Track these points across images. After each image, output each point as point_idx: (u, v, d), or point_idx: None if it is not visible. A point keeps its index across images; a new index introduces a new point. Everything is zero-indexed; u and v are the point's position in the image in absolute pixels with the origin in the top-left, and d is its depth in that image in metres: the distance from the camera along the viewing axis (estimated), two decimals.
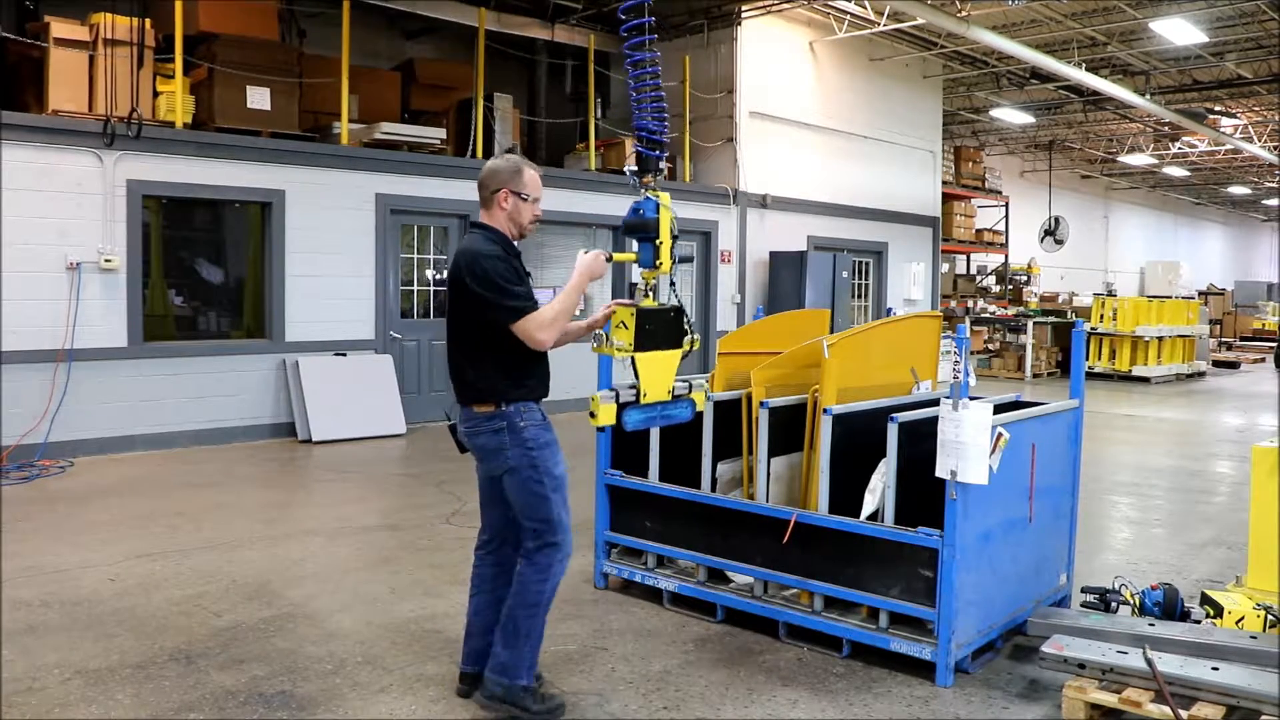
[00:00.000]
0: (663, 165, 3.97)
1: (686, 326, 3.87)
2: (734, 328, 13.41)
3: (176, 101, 9.28)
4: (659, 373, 3.79)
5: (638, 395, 3.75)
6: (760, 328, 5.60)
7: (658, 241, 3.80)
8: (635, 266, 3.87)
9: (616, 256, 3.86)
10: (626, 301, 3.78)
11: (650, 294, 3.85)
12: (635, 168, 3.90)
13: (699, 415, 4.74)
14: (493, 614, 3.76)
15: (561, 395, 11.70)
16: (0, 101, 8.85)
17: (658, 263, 3.82)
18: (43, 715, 3.67)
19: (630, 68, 3.86)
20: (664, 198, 3.82)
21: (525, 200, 3.67)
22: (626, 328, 3.71)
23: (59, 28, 8.85)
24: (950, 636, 3.96)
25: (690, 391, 3.92)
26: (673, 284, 3.96)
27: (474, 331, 3.57)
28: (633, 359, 3.73)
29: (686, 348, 3.87)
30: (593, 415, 3.67)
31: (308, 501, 7.62)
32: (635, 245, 3.86)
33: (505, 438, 3.58)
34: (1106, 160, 28.49)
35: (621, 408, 3.70)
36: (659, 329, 3.76)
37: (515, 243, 3.70)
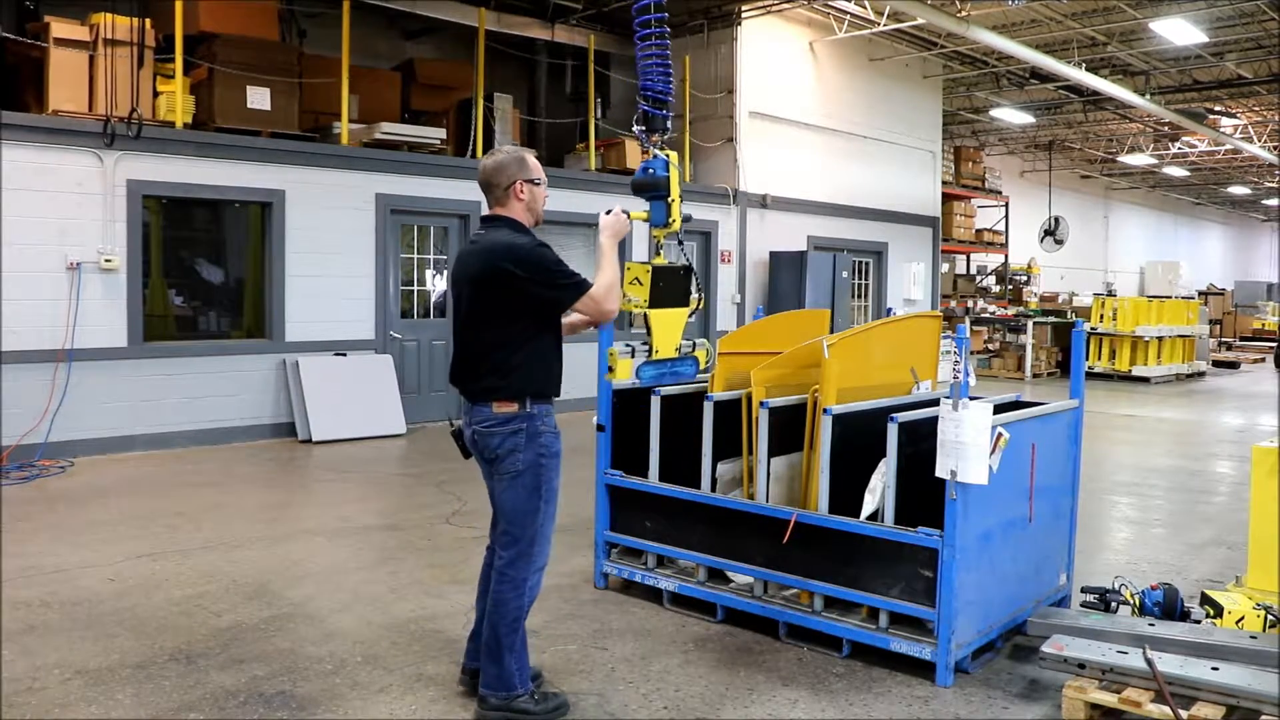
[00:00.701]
0: (669, 125, 4.01)
1: (694, 285, 3.91)
2: (734, 328, 13.42)
3: (177, 101, 9.28)
4: (669, 330, 3.88)
5: (650, 351, 3.82)
6: (760, 328, 5.60)
7: (669, 199, 3.83)
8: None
9: (632, 214, 3.90)
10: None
11: (660, 252, 3.89)
12: (643, 127, 3.92)
13: (699, 415, 4.77)
14: None
15: (561, 395, 11.68)
16: (0, 101, 8.85)
17: (669, 220, 3.84)
18: (43, 715, 3.67)
19: (638, 27, 3.92)
20: (673, 156, 3.86)
21: (538, 185, 3.66)
22: (641, 284, 3.76)
23: (59, 28, 8.85)
24: (950, 636, 3.97)
25: (694, 349, 3.95)
26: (680, 242, 3.98)
27: (508, 325, 3.51)
28: (645, 315, 3.79)
29: (693, 306, 3.94)
30: (610, 370, 3.75)
31: (308, 501, 7.62)
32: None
33: (521, 440, 3.53)
34: (1106, 160, 28.49)
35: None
36: (670, 286, 3.83)
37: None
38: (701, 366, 4.04)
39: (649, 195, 3.90)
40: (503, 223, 3.61)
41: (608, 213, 3.72)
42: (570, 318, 3.67)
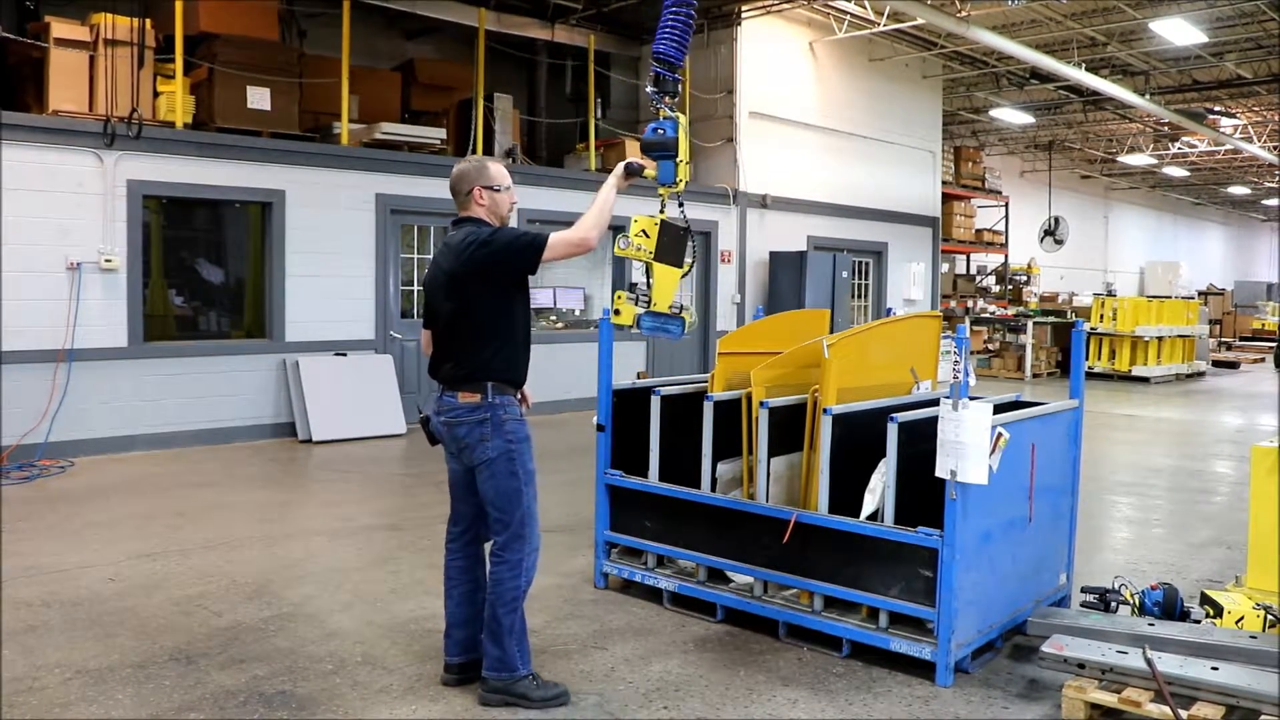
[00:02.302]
0: (679, 88, 4.18)
1: (690, 249, 4.06)
2: (734, 328, 13.41)
3: (177, 101, 9.28)
4: (666, 285, 4.02)
5: (649, 302, 3.98)
6: (760, 328, 5.60)
7: (678, 160, 3.98)
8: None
9: (646, 172, 4.03)
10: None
11: (664, 210, 4.04)
12: (655, 89, 4.05)
13: (699, 415, 4.77)
14: (471, 604, 3.88)
15: (561, 395, 11.66)
16: (0, 101, 8.85)
17: (677, 180, 4.01)
18: (43, 715, 3.68)
19: None
20: (683, 119, 4.01)
21: (498, 191, 3.85)
22: (649, 236, 3.94)
23: (59, 28, 8.85)
24: (950, 636, 3.97)
25: (682, 311, 4.09)
26: (681, 204, 4.12)
27: (476, 313, 3.71)
28: (648, 266, 3.96)
29: (686, 269, 4.07)
30: (617, 313, 3.95)
31: (308, 501, 7.62)
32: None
33: (487, 429, 3.70)
34: (1106, 160, 28.48)
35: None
36: (672, 244, 3.99)
37: None
38: (686, 330, 4.17)
39: (658, 154, 4.05)
40: (468, 222, 3.84)
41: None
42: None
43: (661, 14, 4.08)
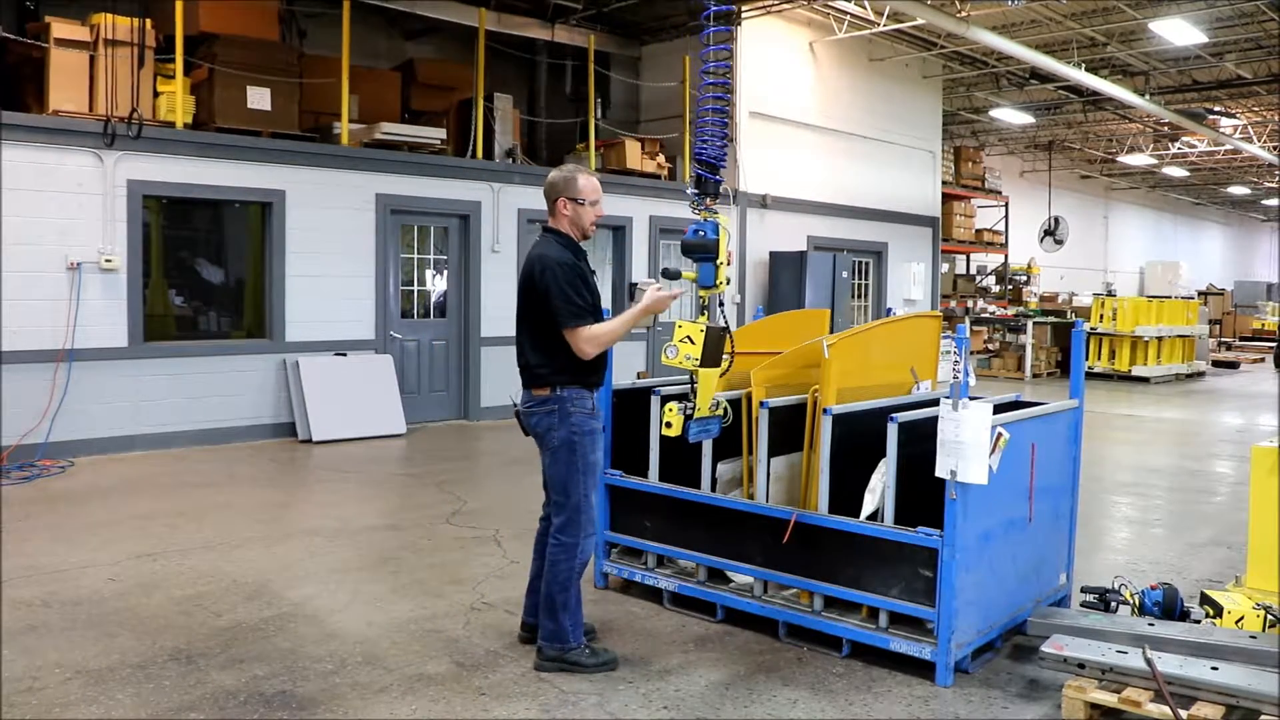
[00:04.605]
0: (723, 189, 4.26)
1: (729, 348, 4.08)
2: (734, 328, 13.38)
3: (177, 102, 9.28)
4: (707, 388, 4.06)
5: (693, 410, 4.04)
6: (760, 328, 5.61)
7: (718, 262, 4.02)
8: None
9: (685, 274, 4.11)
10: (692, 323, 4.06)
11: (705, 311, 4.08)
12: (696, 190, 4.07)
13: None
14: None
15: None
16: (0, 101, 8.85)
17: (717, 282, 4.05)
18: (43, 715, 3.68)
19: (701, 91, 4.20)
20: (723, 220, 4.03)
21: (583, 205, 4.05)
22: (694, 343, 3.94)
23: (59, 28, 8.85)
24: (950, 636, 3.97)
25: (718, 408, 4.20)
26: (721, 304, 4.19)
27: (540, 324, 3.97)
28: (692, 374, 4.01)
29: (725, 366, 4.10)
30: (669, 425, 4.02)
31: (308, 501, 7.62)
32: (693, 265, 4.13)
33: (555, 419, 3.99)
34: (1106, 160, 28.49)
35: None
36: (713, 347, 4.00)
37: (581, 243, 4.11)
38: (725, 424, 4.28)
39: (698, 257, 4.07)
40: (551, 234, 4.09)
41: (659, 289, 4.06)
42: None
43: (698, 116, 4.16)
